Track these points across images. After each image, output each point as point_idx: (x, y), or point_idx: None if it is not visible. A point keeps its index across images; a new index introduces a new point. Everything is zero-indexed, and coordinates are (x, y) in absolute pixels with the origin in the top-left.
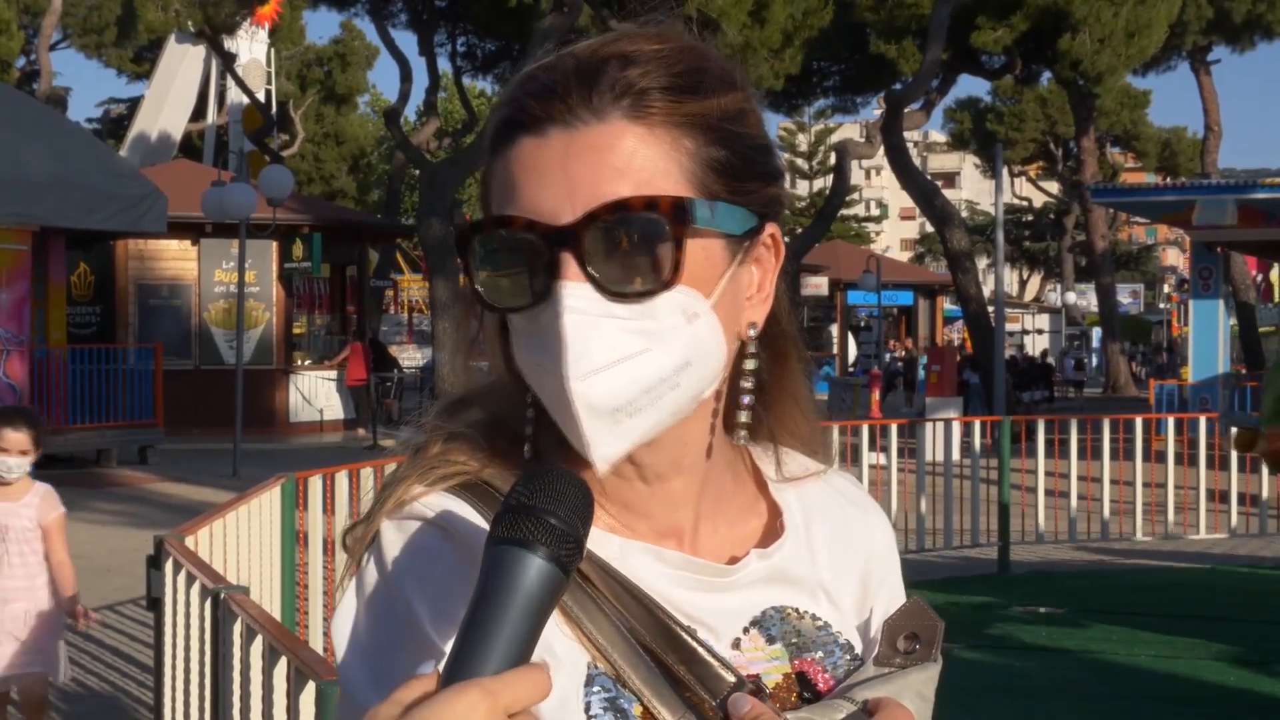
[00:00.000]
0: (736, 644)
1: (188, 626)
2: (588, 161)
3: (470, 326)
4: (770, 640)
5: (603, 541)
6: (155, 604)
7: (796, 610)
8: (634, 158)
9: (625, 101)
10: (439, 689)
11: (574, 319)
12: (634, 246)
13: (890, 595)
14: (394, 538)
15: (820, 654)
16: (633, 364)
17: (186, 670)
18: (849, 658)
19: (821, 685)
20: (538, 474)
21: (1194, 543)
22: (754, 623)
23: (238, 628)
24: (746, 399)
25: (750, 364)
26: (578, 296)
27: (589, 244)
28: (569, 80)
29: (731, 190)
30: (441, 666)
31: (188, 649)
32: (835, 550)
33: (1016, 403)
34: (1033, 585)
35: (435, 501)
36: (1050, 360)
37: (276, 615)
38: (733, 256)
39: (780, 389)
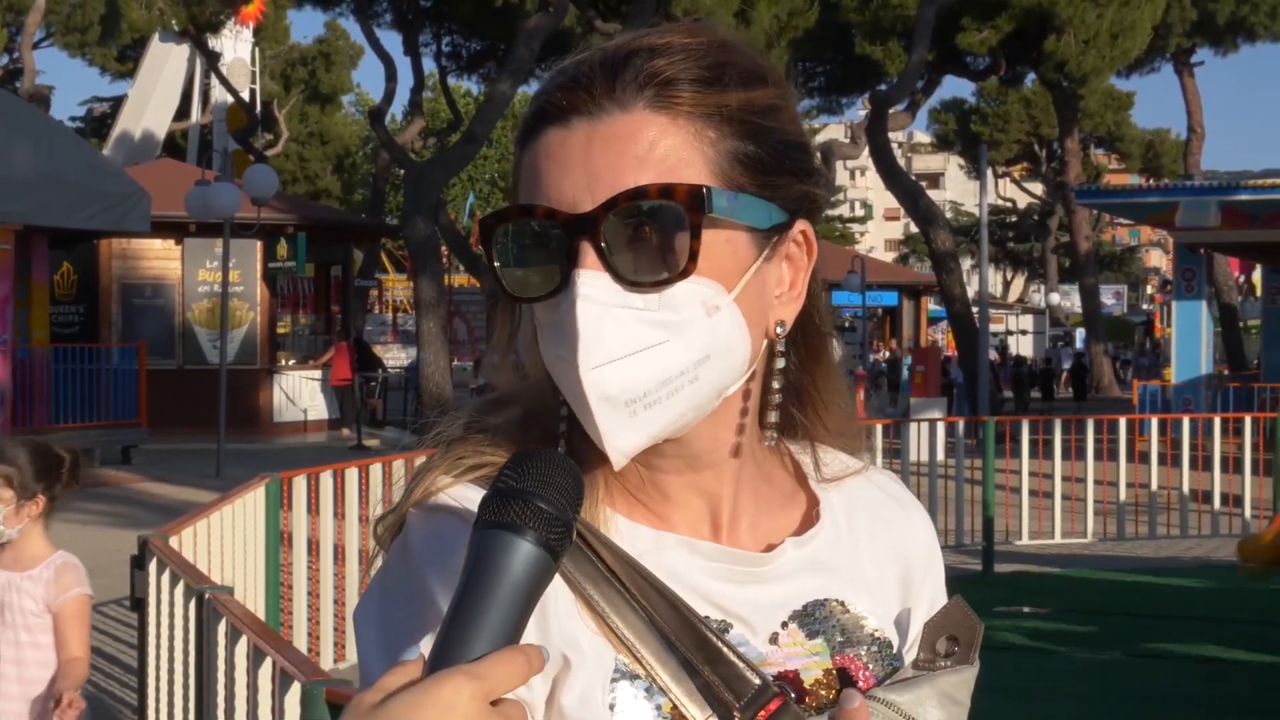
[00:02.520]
0: (774, 638)
1: (172, 627)
2: (609, 150)
3: (507, 323)
4: (811, 635)
5: (635, 535)
6: (139, 604)
7: (840, 603)
8: (655, 147)
9: (649, 91)
10: (424, 674)
11: (588, 308)
12: (651, 235)
13: (933, 594)
14: (419, 527)
15: (861, 650)
16: (649, 355)
17: (170, 671)
18: (886, 654)
19: (862, 682)
20: (526, 457)
21: (1177, 543)
22: (794, 616)
23: (222, 628)
24: (776, 399)
25: (780, 363)
26: (593, 285)
27: (607, 232)
28: (594, 71)
29: (759, 184)
30: (427, 652)
31: (171, 649)
32: (877, 545)
33: (1000, 403)
34: (1016, 585)
35: (461, 493)
36: (1086, 362)
37: (260, 615)
38: (759, 251)
39: (815, 388)
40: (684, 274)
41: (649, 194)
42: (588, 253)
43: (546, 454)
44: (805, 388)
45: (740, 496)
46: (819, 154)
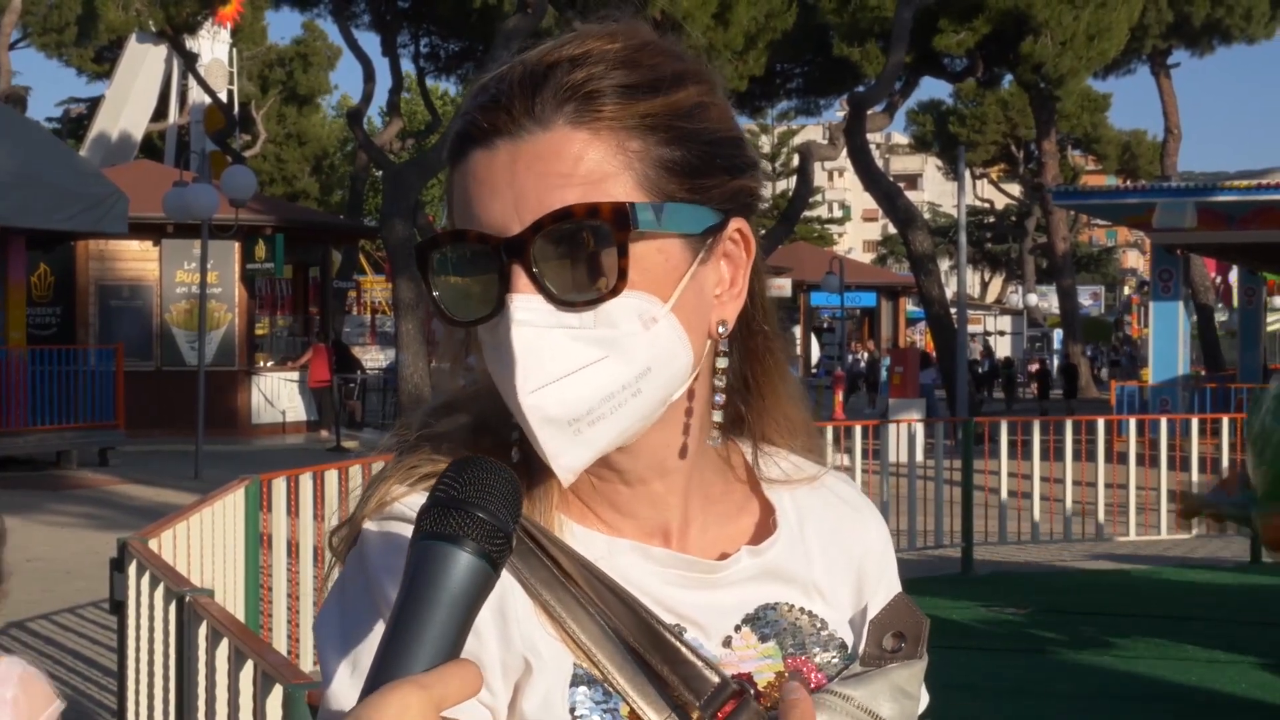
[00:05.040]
0: (728, 642)
1: (151, 630)
2: (533, 171)
3: (458, 331)
4: (763, 638)
5: (589, 540)
6: (118, 607)
7: (791, 607)
8: (580, 164)
9: (569, 107)
10: (366, 687)
11: (523, 332)
12: (580, 255)
13: (887, 594)
14: (375, 537)
15: (814, 652)
16: (589, 373)
17: (150, 674)
18: (842, 656)
19: (814, 684)
20: (465, 466)
21: (1155, 543)
22: (746, 620)
23: (203, 631)
24: (719, 398)
25: (721, 362)
26: (527, 309)
27: (537, 254)
28: (513, 89)
29: (689, 189)
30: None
31: (151, 652)
32: (829, 550)
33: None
34: (996, 585)
35: (415, 501)
36: (1075, 363)
37: (240, 618)
38: (694, 256)
39: (762, 388)
40: (615, 291)
41: (574, 214)
42: (519, 275)
43: (485, 462)
44: (750, 386)
45: (690, 504)
46: (800, 155)
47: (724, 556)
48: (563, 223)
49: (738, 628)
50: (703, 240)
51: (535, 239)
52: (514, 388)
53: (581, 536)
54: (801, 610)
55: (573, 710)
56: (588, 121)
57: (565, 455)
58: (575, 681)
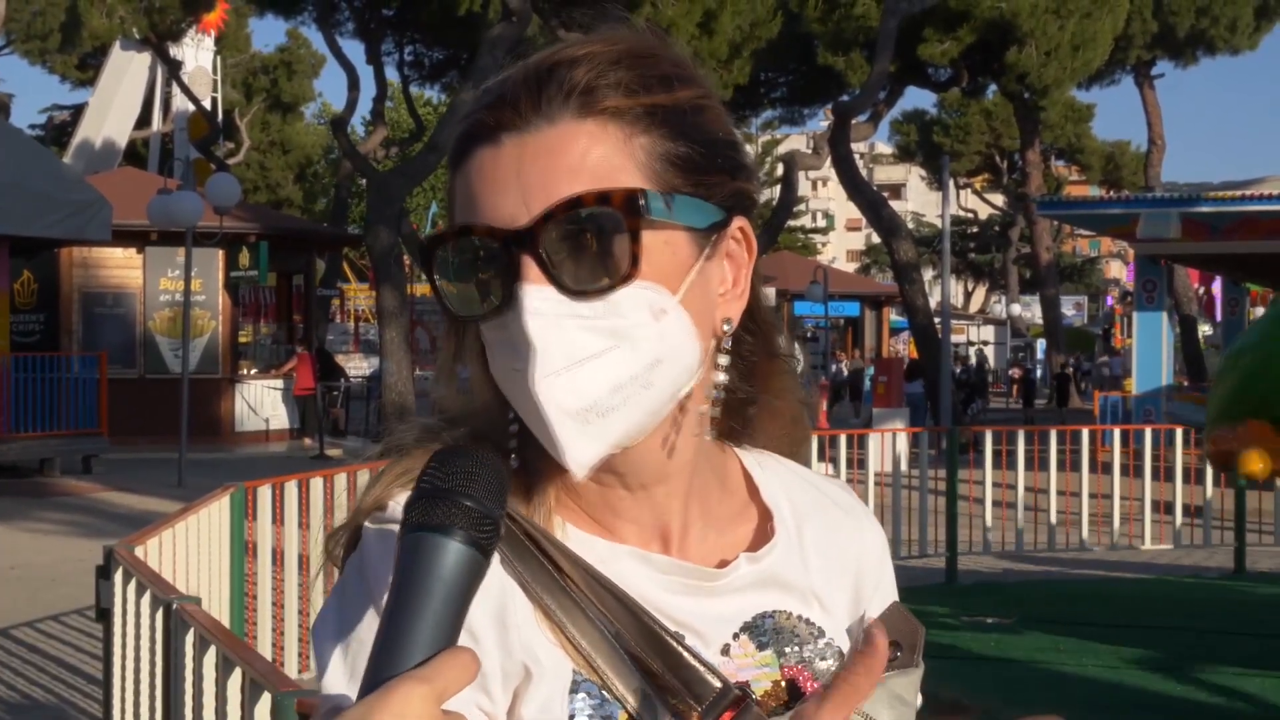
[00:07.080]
0: (726, 650)
1: (138, 637)
2: (541, 164)
3: (452, 342)
4: (761, 647)
5: (589, 546)
6: (104, 615)
7: (789, 615)
8: (587, 156)
9: (574, 101)
10: (364, 681)
11: (536, 321)
12: (591, 243)
13: (884, 601)
14: (372, 540)
15: (811, 660)
16: (599, 363)
17: (136, 682)
18: (840, 664)
19: (810, 692)
20: (449, 456)
21: (1139, 553)
22: (744, 628)
23: (190, 638)
24: (720, 394)
25: (723, 360)
26: (539, 298)
27: (546, 244)
28: (519, 87)
29: (693, 184)
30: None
31: (138, 660)
32: (827, 556)
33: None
34: (980, 595)
35: None
36: (1068, 370)
37: (225, 626)
38: (700, 251)
39: (762, 389)
40: (627, 279)
41: (585, 202)
42: (530, 266)
43: (469, 452)
44: (752, 387)
45: (690, 509)
46: (784, 165)
47: (723, 563)
48: (573, 211)
49: (736, 636)
50: (708, 236)
51: (545, 228)
52: (527, 377)
53: (581, 541)
54: (799, 618)
55: (572, 717)
56: (593, 115)
57: (576, 448)
58: (575, 688)
